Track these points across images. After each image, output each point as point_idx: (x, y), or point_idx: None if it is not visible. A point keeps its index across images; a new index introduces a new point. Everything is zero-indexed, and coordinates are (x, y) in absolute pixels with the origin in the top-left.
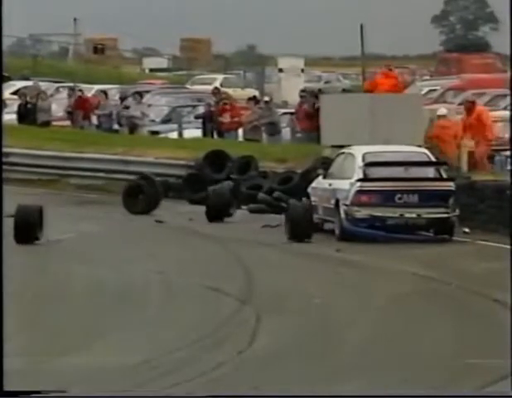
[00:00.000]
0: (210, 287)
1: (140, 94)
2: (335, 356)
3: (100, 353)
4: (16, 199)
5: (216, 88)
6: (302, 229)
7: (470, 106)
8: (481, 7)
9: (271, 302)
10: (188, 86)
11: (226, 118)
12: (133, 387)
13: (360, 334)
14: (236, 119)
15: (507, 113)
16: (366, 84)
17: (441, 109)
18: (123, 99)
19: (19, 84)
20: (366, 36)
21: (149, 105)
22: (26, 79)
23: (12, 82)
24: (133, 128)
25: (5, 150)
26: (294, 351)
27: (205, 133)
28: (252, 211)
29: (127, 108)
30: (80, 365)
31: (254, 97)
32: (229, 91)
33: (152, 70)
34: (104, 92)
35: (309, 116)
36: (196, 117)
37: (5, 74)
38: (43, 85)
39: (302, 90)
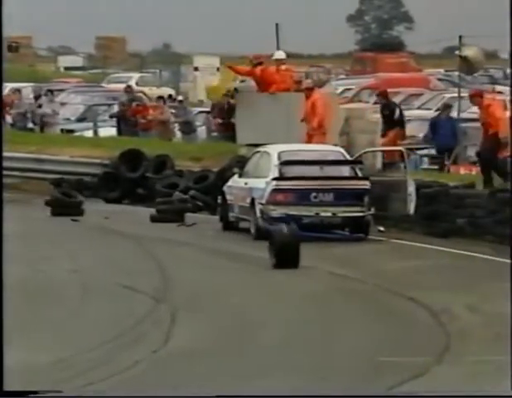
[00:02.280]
0: (125, 285)
1: (52, 92)
2: (251, 354)
3: (14, 352)
4: None
5: (129, 86)
6: (290, 256)
7: (308, 93)
8: (396, 6)
9: (186, 300)
10: (104, 85)
11: (140, 119)
12: (48, 386)
13: (276, 333)
14: (150, 118)
15: (421, 112)
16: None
17: (279, 53)
18: (36, 97)
19: None
20: (282, 34)
21: (63, 104)
22: None
23: None
24: (44, 127)
25: None
26: (209, 349)
27: (119, 132)
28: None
29: (40, 106)
30: None
31: (170, 96)
32: (145, 90)
33: (66, 68)
34: (18, 90)
35: (224, 115)
36: (111, 116)
37: None
38: None
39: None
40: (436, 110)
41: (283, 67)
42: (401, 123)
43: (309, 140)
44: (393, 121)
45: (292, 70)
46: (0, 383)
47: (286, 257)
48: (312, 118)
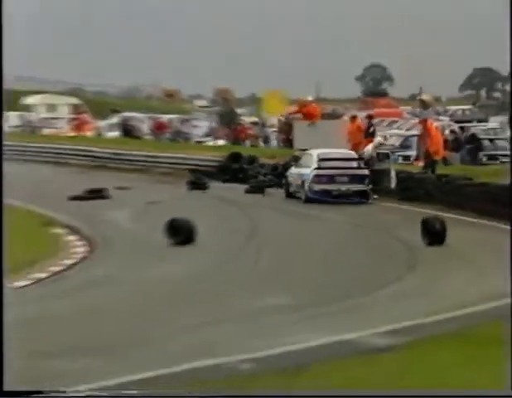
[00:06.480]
0: (231, 229)
1: (187, 120)
2: (299, 268)
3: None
4: (121, 179)
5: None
6: (439, 237)
7: (352, 118)
8: (383, 72)
9: (264, 238)
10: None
11: (242, 134)
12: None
13: (318, 256)
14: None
15: (397, 131)
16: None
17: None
18: (182, 122)
19: (126, 114)
20: (318, 86)
21: (194, 126)
22: (117, 111)
23: (118, 114)
24: (186, 140)
25: (117, 151)
26: (279, 267)
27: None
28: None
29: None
30: None
31: (256, 122)
32: (244, 118)
33: (199, 106)
34: (171, 118)
35: (287, 133)
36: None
37: (117, 108)
38: (137, 116)
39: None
40: (406, 130)
41: (313, 105)
42: (373, 134)
43: (354, 147)
44: (370, 133)
45: (319, 106)
46: (0, 383)
47: (436, 237)
48: (358, 135)
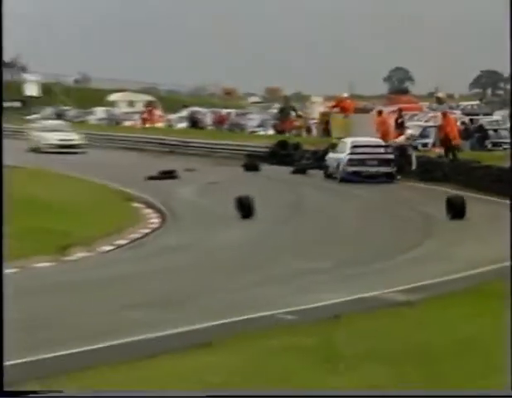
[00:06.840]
0: (280, 201)
1: (243, 114)
2: (338, 233)
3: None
4: (188, 163)
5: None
6: (460, 212)
7: (379, 112)
8: (406, 73)
9: (311, 211)
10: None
11: (289, 125)
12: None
13: (351, 221)
14: (295, 125)
15: (417, 122)
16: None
17: (345, 94)
18: (238, 115)
19: (192, 109)
20: (352, 86)
21: (249, 119)
22: (187, 106)
23: (186, 108)
24: (242, 130)
25: (184, 139)
26: (318, 234)
27: (276, 132)
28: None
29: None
30: None
31: (300, 116)
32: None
33: (252, 102)
34: (229, 112)
35: (326, 124)
36: (273, 125)
37: (185, 104)
38: (202, 110)
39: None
40: (424, 122)
41: (348, 100)
42: (402, 126)
43: (382, 137)
44: (399, 124)
45: (353, 101)
46: (0, 383)
47: (458, 212)
48: (384, 127)
